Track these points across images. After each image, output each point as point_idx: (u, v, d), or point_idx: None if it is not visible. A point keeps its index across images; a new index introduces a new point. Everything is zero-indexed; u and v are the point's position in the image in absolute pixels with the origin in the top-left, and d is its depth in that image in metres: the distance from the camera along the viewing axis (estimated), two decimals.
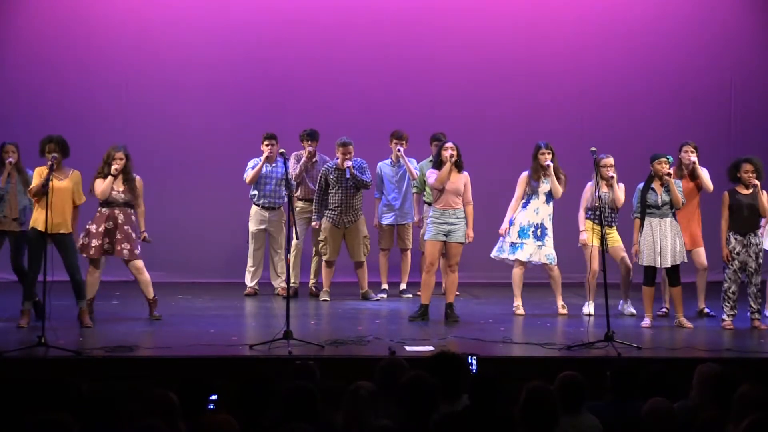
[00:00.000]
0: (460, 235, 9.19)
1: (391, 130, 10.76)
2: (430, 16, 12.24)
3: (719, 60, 12.39)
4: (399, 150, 10.58)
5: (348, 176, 10.25)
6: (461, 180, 9.23)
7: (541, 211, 9.68)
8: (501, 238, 9.78)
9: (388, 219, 10.79)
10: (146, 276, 9.09)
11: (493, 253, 9.86)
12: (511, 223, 9.71)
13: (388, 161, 10.76)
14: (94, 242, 8.88)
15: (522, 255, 9.63)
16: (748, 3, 12.66)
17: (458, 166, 9.24)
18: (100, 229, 8.90)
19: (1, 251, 9.17)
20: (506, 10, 12.31)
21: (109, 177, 8.88)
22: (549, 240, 9.67)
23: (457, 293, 10.93)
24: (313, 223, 10.44)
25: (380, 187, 10.75)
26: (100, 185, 8.90)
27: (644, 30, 12.36)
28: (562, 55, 12.28)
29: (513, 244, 9.68)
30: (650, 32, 12.36)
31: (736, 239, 9.01)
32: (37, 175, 8.61)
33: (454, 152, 9.19)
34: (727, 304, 9.00)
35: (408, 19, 12.19)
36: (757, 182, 9.03)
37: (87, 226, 8.95)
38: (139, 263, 9.02)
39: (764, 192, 9.08)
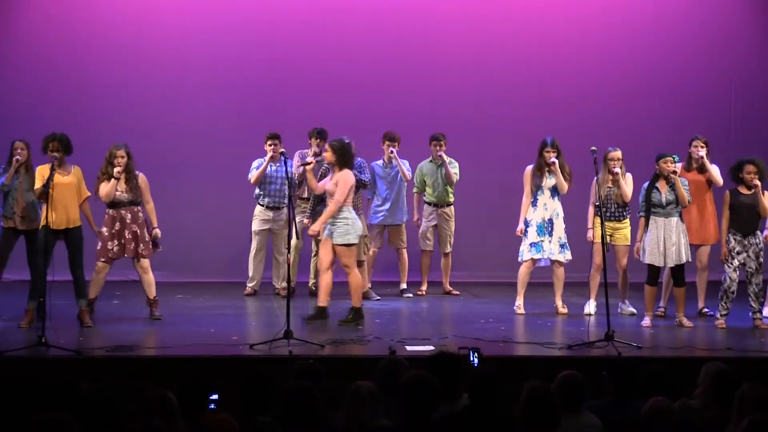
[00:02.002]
0: (337, 235, 8.92)
1: (391, 131, 10.76)
2: (430, 17, 12.23)
3: (719, 60, 12.38)
4: (392, 152, 10.58)
5: None
6: (334, 179, 8.96)
7: (548, 207, 9.68)
8: (522, 241, 9.75)
9: (377, 219, 10.78)
10: (151, 276, 9.10)
11: (520, 258, 9.80)
12: (527, 224, 9.69)
13: (380, 162, 10.76)
14: (109, 245, 8.90)
15: (546, 253, 9.63)
16: (748, 3, 12.65)
17: (339, 165, 8.94)
18: (112, 232, 8.92)
19: (7, 250, 9.18)
20: (506, 10, 12.29)
21: (113, 180, 8.88)
22: (554, 236, 9.65)
23: (457, 293, 10.99)
24: (305, 220, 10.21)
25: (372, 187, 10.73)
26: (104, 188, 8.91)
27: (644, 30, 12.35)
28: (563, 55, 12.27)
29: (535, 244, 9.66)
30: (650, 32, 12.36)
31: (735, 239, 9.02)
32: (39, 174, 8.64)
33: (327, 154, 9.01)
34: (723, 304, 9.02)
35: (408, 19, 12.19)
36: (758, 183, 9.04)
37: (101, 231, 8.95)
38: (146, 262, 9.04)
39: (765, 193, 9.09)
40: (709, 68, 12.39)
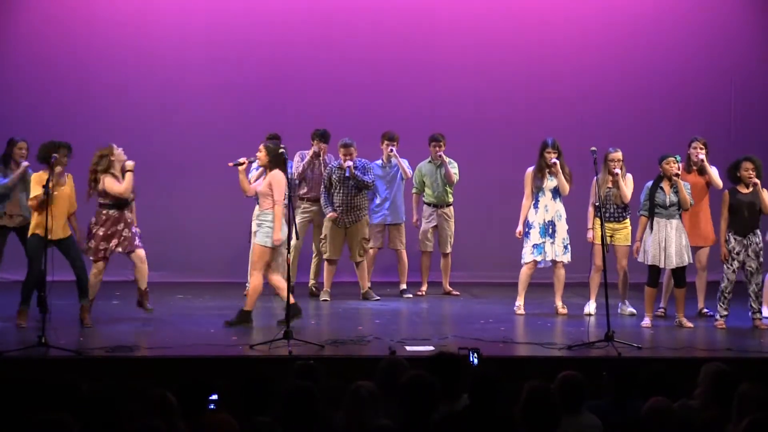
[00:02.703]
0: (260, 234, 8.84)
1: (390, 130, 10.77)
2: (430, 17, 12.25)
3: (719, 60, 12.38)
4: (392, 150, 10.60)
5: (347, 175, 10.26)
6: (267, 181, 8.90)
7: (550, 209, 9.67)
8: (524, 243, 9.73)
9: (377, 218, 10.79)
10: (146, 266, 9.06)
11: (523, 261, 9.75)
12: (530, 225, 9.67)
13: (379, 162, 10.78)
14: (102, 245, 8.82)
15: (549, 255, 9.62)
16: (748, 3, 12.65)
17: (271, 167, 8.87)
18: (109, 231, 8.84)
19: (5, 249, 9.27)
20: (506, 10, 12.30)
21: (130, 174, 8.84)
22: (558, 237, 9.65)
23: (457, 293, 10.98)
24: (330, 214, 10.37)
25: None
26: (128, 183, 8.83)
27: (644, 30, 12.36)
28: (563, 55, 12.27)
29: (537, 245, 9.65)
30: (650, 32, 12.36)
31: (735, 239, 9.02)
32: (37, 182, 8.51)
33: (261, 155, 8.92)
34: (722, 304, 9.01)
35: (408, 20, 12.20)
36: (756, 180, 9.03)
37: (93, 230, 8.84)
38: (142, 252, 8.96)
39: (764, 190, 9.07)
40: (709, 68, 12.39)
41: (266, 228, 8.81)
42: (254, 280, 8.88)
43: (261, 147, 9.00)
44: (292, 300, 8.64)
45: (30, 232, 8.65)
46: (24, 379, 5.64)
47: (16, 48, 11.86)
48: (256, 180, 10.41)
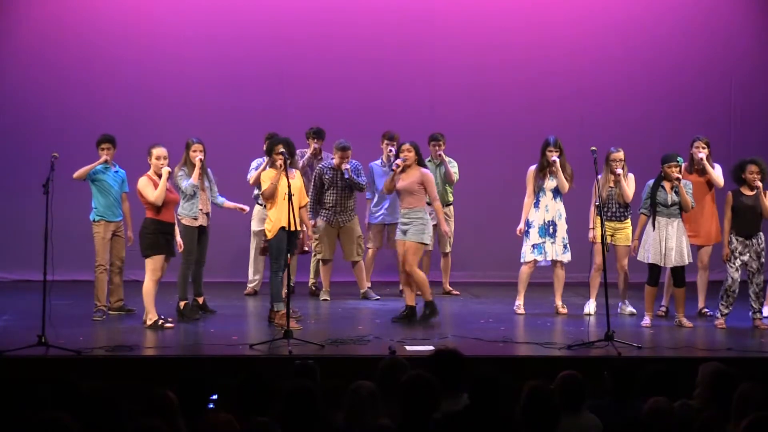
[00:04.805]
0: (411, 233, 8.98)
1: (390, 130, 10.77)
2: (430, 16, 12.26)
3: (719, 59, 12.39)
4: (391, 151, 10.59)
5: (347, 177, 10.27)
6: (414, 178, 9.02)
7: (550, 208, 9.66)
8: (524, 242, 9.72)
9: (377, 218, 10.79)
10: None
11: (523, 260, 9.75)
12: (530, 225, 9.67)
13: (379, 161, 10.77)
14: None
15: (549, 254, 9.61)
16: (748, 3, 12.65)
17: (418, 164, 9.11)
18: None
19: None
20: (506, 10, 12.31)
21: (298, 171, 9.05)
22: (558, 237, 9.65)
23: (457, 293, 11.00)
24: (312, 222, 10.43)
25: (371, 187, 10.74)
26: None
27: (644, 29, 12.37)
28: (563, 54, 12.28)
29: (537, 245, 9.64)
30: (650, 31, 12.37)
31: (738, 240, 9.01)
32: (267, 178, 8.78)
33: (411, 154, 9.02)
34: (724, 303, 9.01)
35: (408, 18, 12.21)
36: (760, 183, 9.01)
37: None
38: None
39: (767, 193, 9.06)
40: (709, 68, 12.39)
41: (419, 225, 8.92)
42: (418, 277, 9.03)
43: (405, 146, 9.06)
44: (430, 298, 8.95)
45: (276, 229, 8.71)
46: (24, 378, 5.64)
47: (20, 48, 11.87)
48: (255, 179, 10.47)
